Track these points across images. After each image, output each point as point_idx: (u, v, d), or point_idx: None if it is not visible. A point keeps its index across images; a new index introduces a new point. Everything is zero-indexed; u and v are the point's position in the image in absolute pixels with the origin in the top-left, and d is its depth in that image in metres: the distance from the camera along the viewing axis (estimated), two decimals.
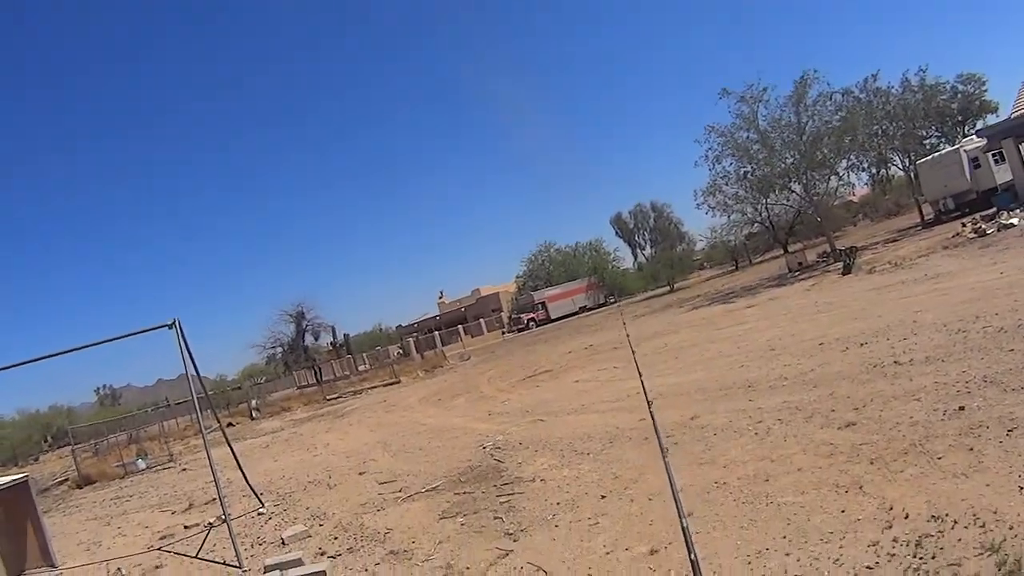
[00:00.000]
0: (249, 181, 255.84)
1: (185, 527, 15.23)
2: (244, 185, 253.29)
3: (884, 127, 51.33)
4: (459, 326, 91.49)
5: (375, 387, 49.16)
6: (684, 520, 3.21)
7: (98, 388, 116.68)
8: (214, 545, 13.00)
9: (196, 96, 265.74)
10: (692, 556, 3.05)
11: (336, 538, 11.52)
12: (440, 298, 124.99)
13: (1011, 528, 5.77)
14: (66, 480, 32.18)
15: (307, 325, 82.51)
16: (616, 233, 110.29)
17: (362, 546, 10.71)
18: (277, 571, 9.94)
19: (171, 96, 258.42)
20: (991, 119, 55.90)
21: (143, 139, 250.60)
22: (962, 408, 8.91)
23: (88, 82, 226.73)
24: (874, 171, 65.56)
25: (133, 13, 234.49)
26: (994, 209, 34.43)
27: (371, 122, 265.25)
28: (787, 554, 6.48)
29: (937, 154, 46.39)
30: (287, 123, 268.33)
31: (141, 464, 32.07)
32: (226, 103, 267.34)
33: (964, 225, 31.28)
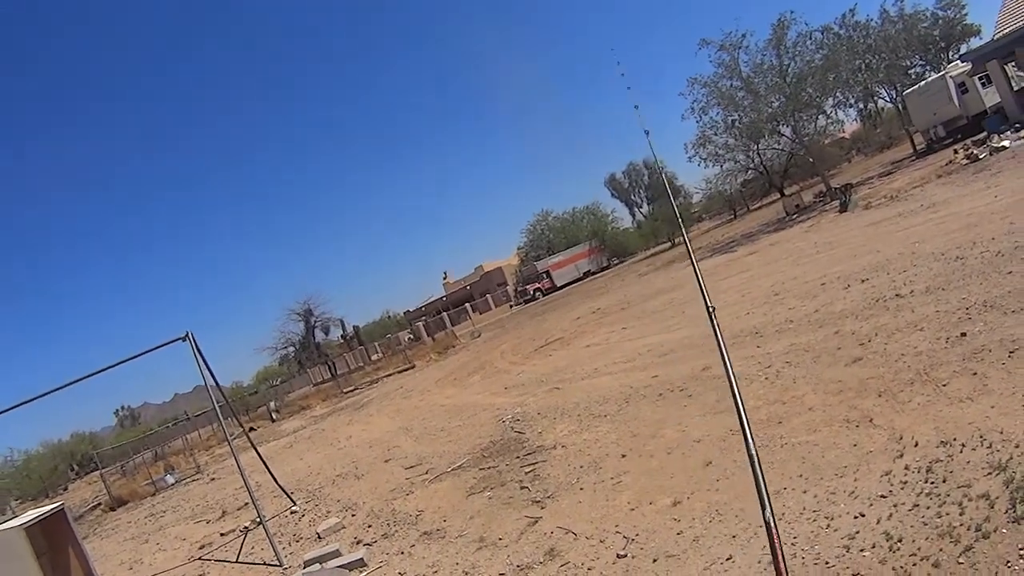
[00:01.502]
0: (242, 182, 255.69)
1: (221, 534, 15.41)
2: (238, 187, 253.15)
3: (867, 61, 51.09)
4: (466, 304, 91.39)
5: (390, 375, 49.21)
6: (752, 448, 3.35)
7: (117, 410, 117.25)
8: (252, 548, 13.21)
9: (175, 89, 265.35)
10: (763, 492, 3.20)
11: (370, 526, 11.70)
12: (444, 278, 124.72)
13: (1017, 446, 5.94)
14: (98, 505, 32.39)
15: (316, 321, 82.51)
16: (612, 194, 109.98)
17: (396, 531, 10.91)
18: (317, 564, 10.16)
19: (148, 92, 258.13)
20: (974, 42, 55.77)
21: (128, 148, 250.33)
22: (964, 334, 9.06)
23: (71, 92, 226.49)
24: (862, 106, 65.50)
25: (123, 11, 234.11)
26: (985, 133, 34.41)
27: (362, 109, 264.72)
28: (804, 491, 6.67)
29: (923, 83, 46.22)
30: (274, 120, 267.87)
31: (170, 479, 32.29)
32: (210, 100, 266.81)
33: (956, 152, 31.18)
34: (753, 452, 3.28)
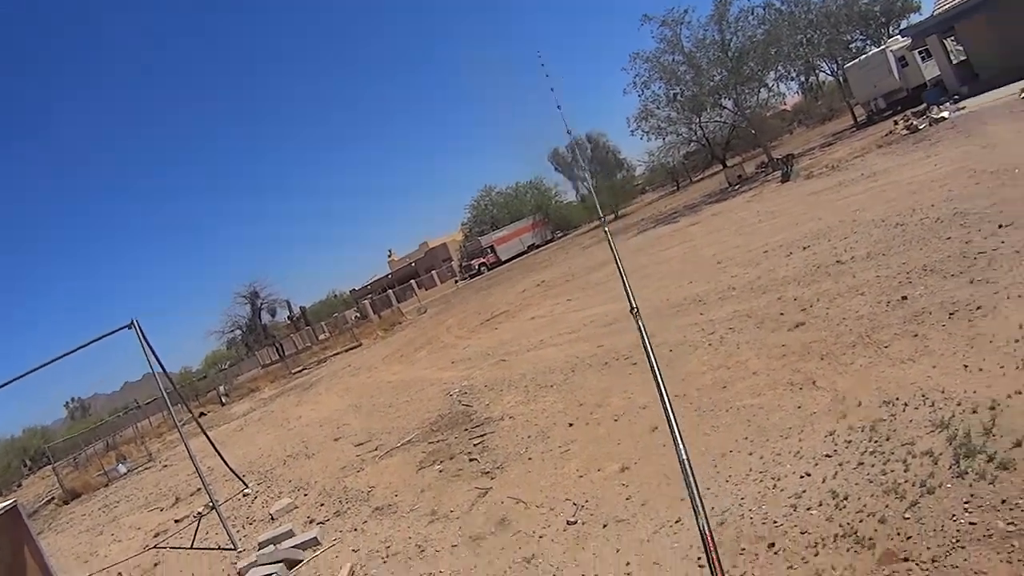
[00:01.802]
0: (184, 166, 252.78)
1: (176, 521, 15.26)
2: (180, 171, 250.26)
3: (808, 36, 51.39)
4: (412, 281, 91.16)
5: (338, 353, 49.02)
6: (673, 420, 3.34)
7: (67, 402, 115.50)
8: (207, 533, 13.11)
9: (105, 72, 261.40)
10: (683, 456, 3.19)
11: (322, 505, 11.70)
12: (390, 256, 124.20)
13: (958, 404, 6.05)
14: (52, 499, 31.84)
15: (262, 303, 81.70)
16: (555, 168, 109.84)
17: (348, 508, 10.91)
18: (271, 546, 10.11)
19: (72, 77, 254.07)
20: (914, 18, 56.31)
21: (67, 135, 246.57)
22: (905, 298, 9.18)
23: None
24: (803, 79, 65.85)
25: None
26: (924, 105, 34.81)
27: (303, 89, 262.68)
28: (750, 453, 6.74)
29: (864, 57, 46.55)
30: (213, 102, 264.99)
31: (122, 469, 31.92)
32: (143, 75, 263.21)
33: (896, 123, 31.50)
34: (684, 458, 3.27)
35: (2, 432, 79.26)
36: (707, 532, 3.03)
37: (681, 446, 3.33)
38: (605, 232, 5.14)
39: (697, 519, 3.08)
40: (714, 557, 2.98)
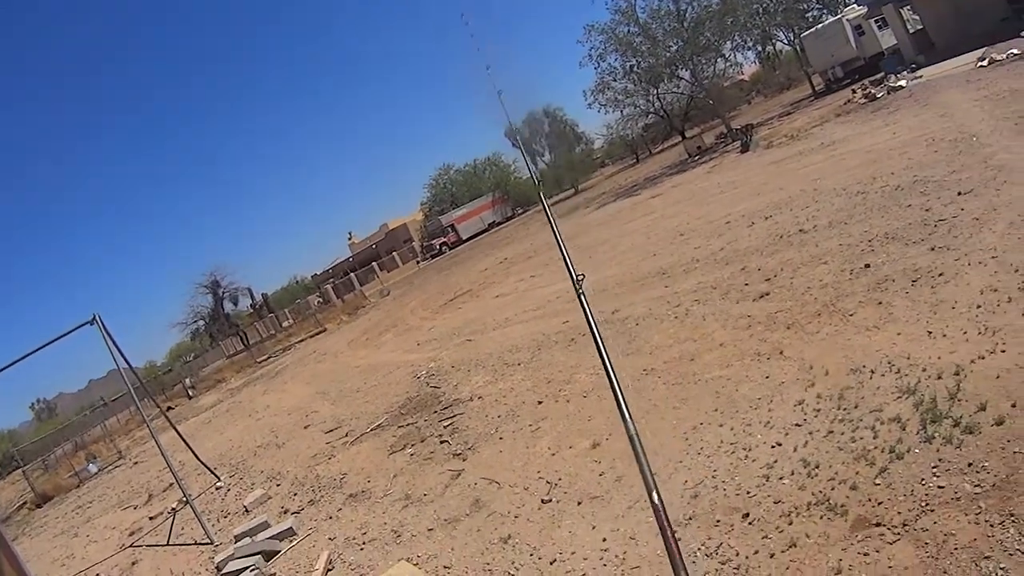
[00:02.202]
0: (138, 157, 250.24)
1: (150, 518, 15.16)
2: (135, 162, 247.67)
3: (764, 5, 51.51)
4: (373, 263, 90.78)
5: (302, 340, 48.94)
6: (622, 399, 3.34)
7: (32, 403, 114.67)
8: (182, 528, 13.02)
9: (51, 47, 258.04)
10: (632, 431, 3.19)
11: (295, 494, 11.66)
12: (350, 239, 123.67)
13: (924, 370, 6.12)
14: (24, 504, 31.50)
15: (224, 292, 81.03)
16: (512, 144, 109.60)
17: (322, 496, 10.90)
18: (247, 538, 10.07)
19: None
20: None
21: (21, 128, 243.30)
22: (868, 266, 9.25)
23: None
24: (760, 49, 65.99)
25: None
26: (882, 73, 35.01)
27: (257, 63, 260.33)
28: (720, 425, 6.78)
29: (821, 26, 46.72)
30: (169, 88, 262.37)
31: (93, 468, 31.61)
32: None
33: (854, 92, 31.69)
34: (633, 433, 3.27)
35: None
36: (662, 508, 3.04)
37: (630, 421, 3.33)
38: (546, 211, 5.09)
39: (650, 496, 3.09)
40: (670, 535, 2.99)
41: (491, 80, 5.64)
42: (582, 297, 4.10)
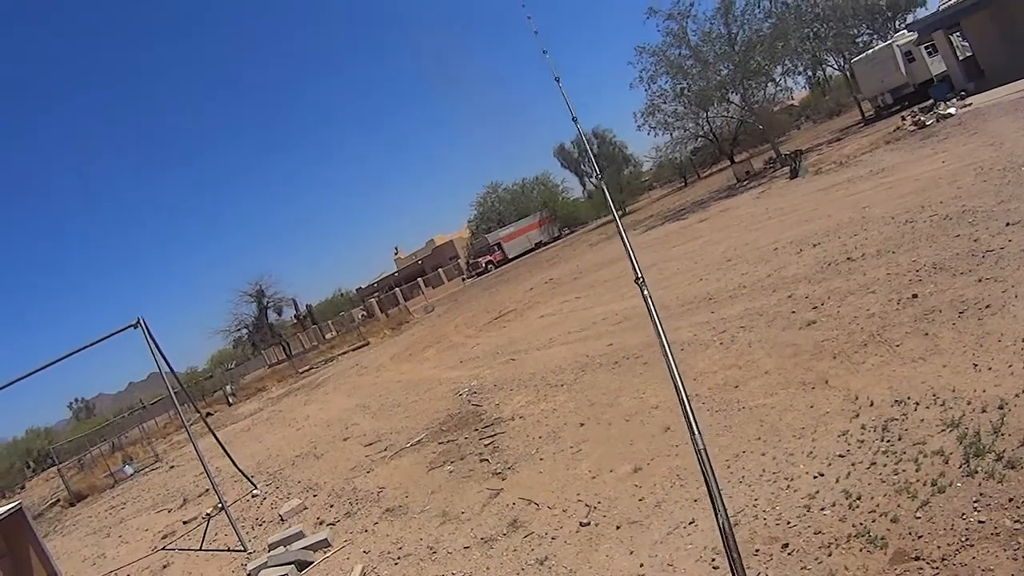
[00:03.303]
0: (191, 166, 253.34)
1: (184, 523, 15.33)
2: (187, 171, 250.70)
3: (815, 30, 51.26)
4: (419, 279, 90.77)
5: (345, 352, 49.15)
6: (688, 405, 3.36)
7: (71, 403, 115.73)
8: (216, 534, 13.16)
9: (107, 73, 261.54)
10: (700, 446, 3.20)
11: (332, 506, 11.73)
12: (396, 254, 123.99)
13: (969, 403, 6.07)
14: (58, 501, 31.90)
15: (268, 302, 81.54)
16: (561, 164, 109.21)
17: (358, 509, 10.93)
18: (281, 547, 10.13)
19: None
20: (920, 12, 56.11)
21: (73, 138, 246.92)
22: (915, 296, 9.19)
23: None
24: (810, 74, 65.86)
25: None
26: (931, 100, 34.73)
27: (311, 89, 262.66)
28: (763, 454, 6.75)
29: (871, 51, 46.37)
30: (221, 104, 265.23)
31: (128, 470, 32.00)
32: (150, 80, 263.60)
33: (904, 119, 31.45)
34: (701, 447, 3.28)
35: (5, 433, 79.48)
36: (727, 529, 3.04)
37: (697, 434, 3.34)
38: (616, 222, 5.13)
39: (716, 516, 3.10)
40: (734, 555, 2.99)
41: (550, 66, 5.66)
42: (648, 299, 4.12)
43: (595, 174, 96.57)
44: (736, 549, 3.07)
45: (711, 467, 3.24)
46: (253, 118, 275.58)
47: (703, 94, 45.28)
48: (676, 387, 3.56)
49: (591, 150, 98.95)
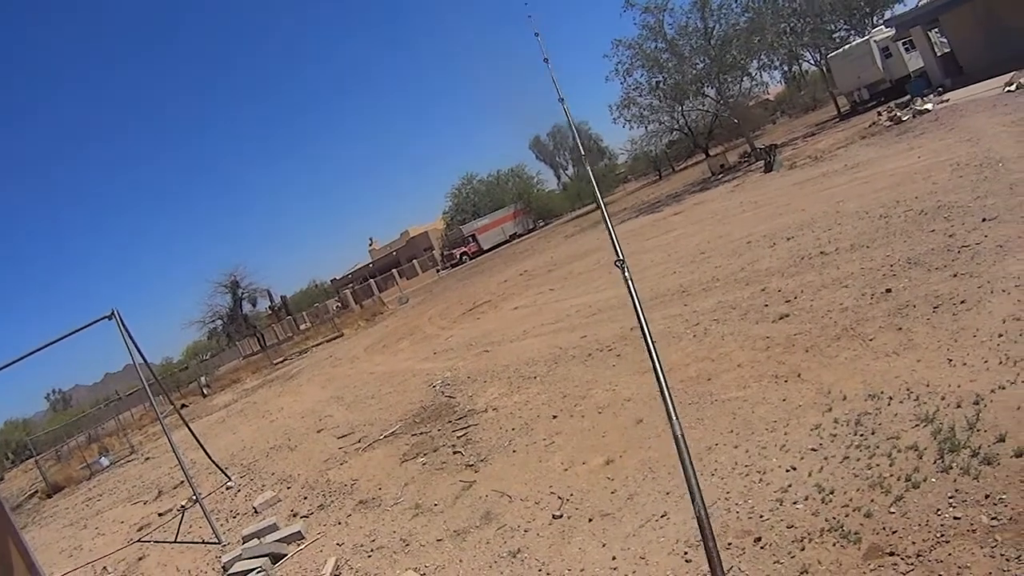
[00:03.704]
0: (163, 155, 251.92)
1: (159, 515, 15.24)
2: (161, 160, 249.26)
3: (792, 24, 51.43)
4: (393, 270, 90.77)
5: (319, 344, 49.09)
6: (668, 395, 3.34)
7: (48, 394, 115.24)
8: (190, 526, 13.10)
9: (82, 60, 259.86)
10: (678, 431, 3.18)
11: (305, 498, 11.67)
12: (371, 245, 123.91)
13: (943, 398, 6.06)
14: (35, 492, 31.81)
15: (243, 293, 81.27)
16: (536, 156, 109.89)
17: (332, 501, 10.88)
18: (255, 539, 10.08)
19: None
20: (899, 8, 56.34)
21: (44, 128, 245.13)
22: (889, 290, 9.19)
23: None
24: (786, 69, 65.89)
25: None
26: (908, 96, 34.97)
27: (284, 76, 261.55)
28: (735, 447, 6.73)
29: (848, 47, 46.60)
30: (194, 89, 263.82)
31: (105, 462, 31.86)
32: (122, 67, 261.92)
33: (880, 114, 31.60)
34: (679, 434, 3.25)
35: None
36: (704, 516, 3.01)
37: (675, 420, 3.31)
38: (602, 209, 5.09)
39: (693, 504, 3.07)
40: (710, 543, 2.96)
41: (541, 48, 5.61)
42: (628, 279, 4.09)
43: (570, 166, 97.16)
44: (712, 538, 3.04)
45: (689, 454, 3.21)
46: (228, 109, 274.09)
47: (679, 88, 45.47)
48: (655, 370, 3.52)
49: (573, 137, 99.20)
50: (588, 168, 5.79)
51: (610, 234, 4.60)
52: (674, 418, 3.31)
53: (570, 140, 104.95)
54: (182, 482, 16.77)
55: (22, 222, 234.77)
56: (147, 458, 28.27)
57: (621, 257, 4.20)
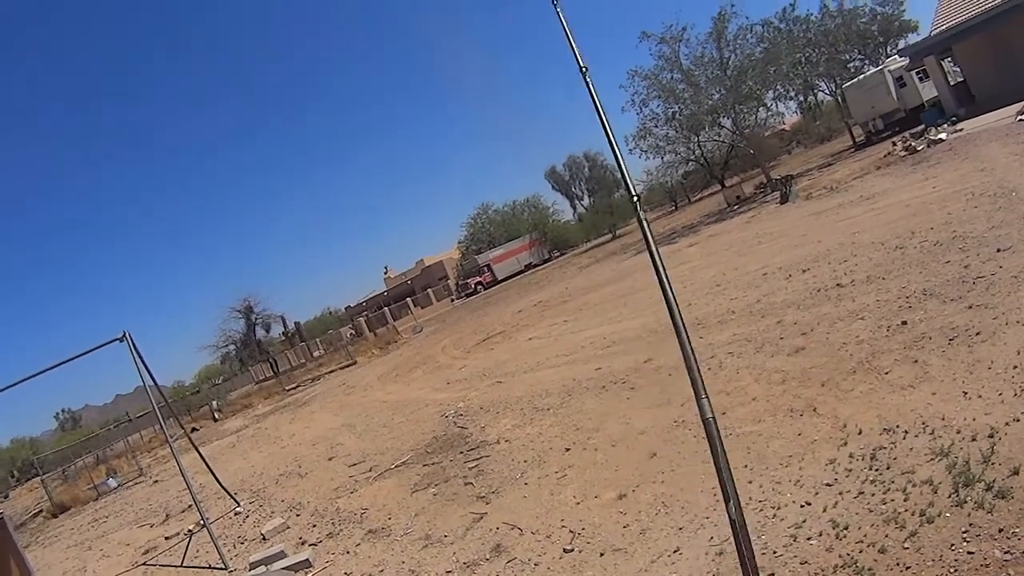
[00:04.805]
0: (180, 179, 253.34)
1: (166, 538, 15.18)
2: (176, 184, 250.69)
3: (807, 55, 51.70)
4: (408, 299, 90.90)
5: (332, 371, 49.04)
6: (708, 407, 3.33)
7: (57, 413, 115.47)
8: (197, 551, 13.02)
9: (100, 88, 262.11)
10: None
11: (315, 526, 11.60)
12: (386, 273, 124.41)
13: (958, 432, 6.01)
14: (40, 512, 31.81)
15: (257, 318, 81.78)
16: (552, 187, 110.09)
17: (341, 530, 10.81)
18: (262, 567, 10.02)
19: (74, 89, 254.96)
20: (912, 38, 56.46)
21: (63, 148, 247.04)
22: (905, 322, 9.14)
23: None
24: (802, 99, 66.28)
25: None
26: (922, 126, 34.89)
27: (301, 103, 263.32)
28: (749, 481, 6.66)
29: (862, 76, 46.64)
30: (211, 116, 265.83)
31: (112, 483, 31.85)
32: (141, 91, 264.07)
33: (895, 144, 31.58)
34: (710, 416, 3.21)
35: None
36: (739, 520, 2.96)
37: (706, 400, 3.25)
38: (641, 222, 5.03)
39: (727, 505, 3.03)
40: (745, 547, 2.91)
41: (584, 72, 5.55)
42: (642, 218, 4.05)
43: (586, 197, 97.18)
44: (748, 540, 2.99)
45: (721, 441, 3.16)
46: (245, 134, 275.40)
47: (694, 118, 45.46)
48: (682, 346, 3.49)
49: (583, 173, 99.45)
50: (623, 167, 5.59)
51: (651, 248, 4.55)
52: (704, 397, 3.27)
53: (586, 171, 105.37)
54: (190, 506, 16.74)
55: (39, 241, 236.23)
56: (155, 481, 28.28)
57: (663, 270, 4.14)
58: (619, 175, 5.37)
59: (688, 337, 3.30)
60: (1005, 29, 31.73)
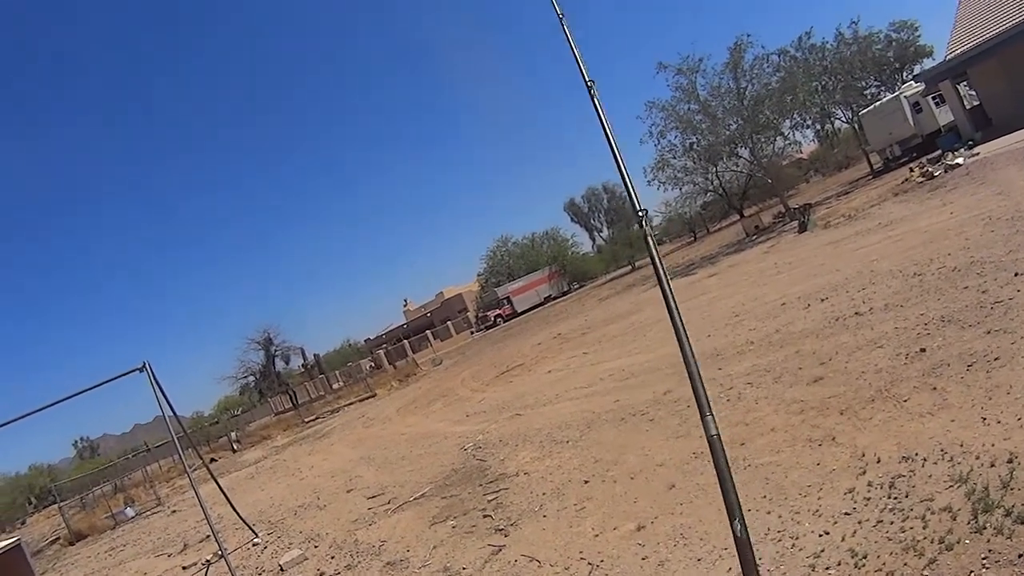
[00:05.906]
0: (201, 211, 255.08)
1: (183, 568, 15.25)
2: (197, 216, 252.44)
3: (823, 83, 51.71)
4: (427, 331, 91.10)
5: (351, 403, 49.17)
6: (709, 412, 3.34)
7: (76, 441, 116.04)
8: None
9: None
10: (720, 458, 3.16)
11: (333, 557, 11.59)
12: (405, 306, 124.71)
13: (977, 458, 5.97)
14: (57, 539, 32.03)
15: (276, 350, 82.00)
16: (571, 219, 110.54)
17: (359, 562, 10.79)
18: None
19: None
20: (927, 63, 56.46)
21: (84, 176, 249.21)
22: (923, 350, 9.11)
23: None
24: (819, 127, 66.10)
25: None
26: (939, 151, 34.85)
27: (321, 136, 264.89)
28: (768, 512, 6.63)
29: (879, 103, 46.66)
30: (232, 147, 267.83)
31: (130, 512, 31.96)
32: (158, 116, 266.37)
33: (912, 170, 31.53)
34: (715, 434, 3.22)
35: (8, 468, 79.99)
36: (743, 536, 2.97)
37: (711, 417, 3.26)
38: (647, 236, 5.02)
39: (732, 523, 3.03)
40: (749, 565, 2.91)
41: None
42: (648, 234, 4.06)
43: (605, 229, 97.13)
44: (754, 560, 2.98)
45: (726, 457, 3.17)
46: (265, 165, 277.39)
47: (712, 148, 45.61)
48: (686, 362, 3.49)
49: (601, 205, 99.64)
50: (641, 214, 5.54)
51: (662, 285, 4.57)
52: (709, 415, 3.28)
53: (604, 203, 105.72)
54: (208, 536, 16.74)
55: (61, 270, 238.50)
56: (173, 511, 28.38)
57: (677, 308, 4.17)
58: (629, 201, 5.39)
59: (692, 351, 3.32)
60: (1021, 52, 31.71)
